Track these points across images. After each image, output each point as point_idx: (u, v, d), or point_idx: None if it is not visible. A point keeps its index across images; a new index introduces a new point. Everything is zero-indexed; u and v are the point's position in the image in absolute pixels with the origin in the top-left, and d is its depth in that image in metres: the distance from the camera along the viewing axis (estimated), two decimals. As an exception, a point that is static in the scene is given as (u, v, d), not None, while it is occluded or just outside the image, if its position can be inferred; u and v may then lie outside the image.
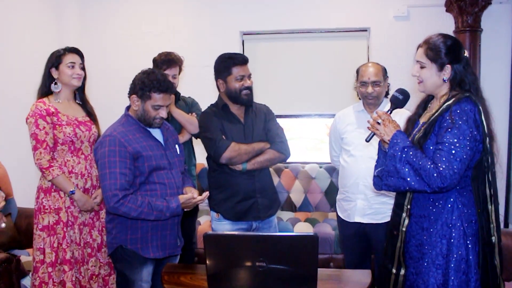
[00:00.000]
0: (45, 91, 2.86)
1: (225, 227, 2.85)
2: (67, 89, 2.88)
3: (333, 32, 4.71)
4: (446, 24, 4.31)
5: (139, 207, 2.34)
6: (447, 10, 4.34)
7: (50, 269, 2.74)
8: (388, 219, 2.80)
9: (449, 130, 1.93)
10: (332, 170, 4.50)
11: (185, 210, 2.54)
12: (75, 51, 2.92)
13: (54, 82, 2.84)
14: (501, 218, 4.02)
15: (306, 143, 4.97)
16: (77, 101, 2.98)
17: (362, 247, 3.03)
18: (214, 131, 2.78)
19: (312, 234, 1.82)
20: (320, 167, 4.60)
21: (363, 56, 4.63)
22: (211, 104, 2.96)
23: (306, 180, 4.56)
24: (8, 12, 4.08)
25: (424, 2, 4.45)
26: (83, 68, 2.94)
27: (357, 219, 2.93)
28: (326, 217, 4.29)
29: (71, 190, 2.75)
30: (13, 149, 3.60)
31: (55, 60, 2.84)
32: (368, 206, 2.89)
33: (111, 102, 3.94)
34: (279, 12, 4.68)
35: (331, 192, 4.42)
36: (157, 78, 2.44)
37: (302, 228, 4.01)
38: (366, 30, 4.64)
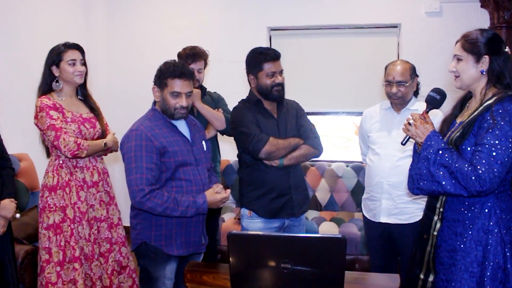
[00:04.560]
0: (46, 89, 2.80)
1: (257, 226, 2.79)
2: (69, 86, 2.83)
3: (362, 28, 4.63)
4: (481, 20, 4.20)
5: (165, 203, 2.30)
6: (482, 6, 4.21)
7: (58, 268, 2.70)
8: (414, 219, 2.78)
9: (490, 130, 1.83)
10: (359, 169, 4.42)
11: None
12: (76, 47, 2.83)
13: (55, 80, 2.78)
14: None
15: (333, 141, 4.90)
16: (79, 96, 2.92)
17: (388, 248, 2.96)
18: (250, 126, 2.72)
19: (340, 236, 1.75)
20: (347, 166, 4.53)
21: (393, 53, 4.54)
22: (243, 100, 2.91)
23: (332, 179, 4.49)
24: (36, 9, 4.11)
25: (458, -3, 4.32)
26: (85, 64, 2.86)
27: (383, 219, 2.87)
28: (352, 217, 4.22)
29: (104, 143, 2.81)
30: (40, 142, 3.62)
31: (55, 57, 2.77)
32: (394, 205, 2.83)
33: (139, 97, 3.94)
34: (307, 8, 4.62)
35: (358, 191, 4.34)
36: (174, 64, 2.42)
37: (327, 228, 3.94)
38: (396, 27, 4.54)
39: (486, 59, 1.96)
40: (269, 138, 2.69)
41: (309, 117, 2.97)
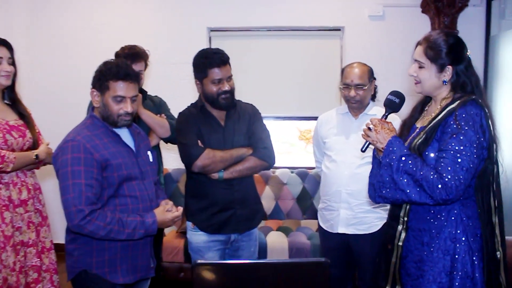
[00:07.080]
0: None
1: (201, 238, 2.59)
2: None
3: (305, 31, 4.52)
4: (422, 25, 4.22)
5: (108, 225, 2.00)
6: (423, 11, 4.26)
7: None
8: (373, 229, 2.68)
9: (454, 136, 1.76)
10: (304, 176, 4.32)
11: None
12: (3, 43, 2.48)
13: None
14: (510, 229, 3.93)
15: (276, 146, 4.74)
16: (5, 101, 2.56)
17: (346, 260, 2.83)
18: (188, 136, 2.50)
19: (322, 260, 1.58)
20: (292, 172, 4.41)
21: (336, 56, 4.48)
22: (191, 104, 2.68)
23: (277, 186, 4.34)
24: None
25: (400, 2, 4.33)
26: (13, 63, 2.51)
27: (341, 230, 2.73)
28: (299, 225, 4.10)
29: (35, 155, 2.48)
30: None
31: None
32: (352, 215, 2.70)
33: (69, 102, 3.57)
34: (248, 8, 4.45)
35: (304, 198, 4.25)
36: (116, 65, 2.12)
37: (275, 238, 3.79)
38: (340, 30, 4.48)
39: (449, 69, 1.89)
40: (204, 151, 2.47)
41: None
